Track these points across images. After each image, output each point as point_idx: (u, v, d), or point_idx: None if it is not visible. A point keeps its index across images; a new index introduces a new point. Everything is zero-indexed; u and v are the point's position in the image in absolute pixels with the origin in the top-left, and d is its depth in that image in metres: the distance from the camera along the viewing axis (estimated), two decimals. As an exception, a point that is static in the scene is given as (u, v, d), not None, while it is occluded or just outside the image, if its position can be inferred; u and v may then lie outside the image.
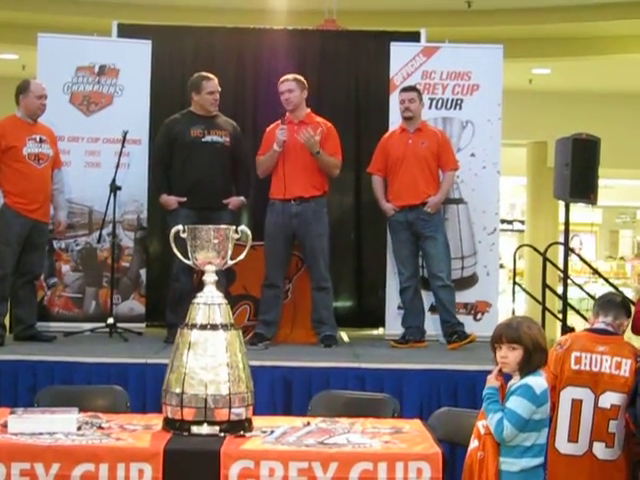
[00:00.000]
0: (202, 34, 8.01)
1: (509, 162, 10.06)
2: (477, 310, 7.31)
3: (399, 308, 7.14)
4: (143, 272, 7.41)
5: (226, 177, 6.73)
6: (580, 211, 13.15)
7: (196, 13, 10.13)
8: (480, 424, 3.67)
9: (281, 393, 5.55)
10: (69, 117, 7.26)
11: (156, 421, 3.80)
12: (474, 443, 3.67)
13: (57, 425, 3.60)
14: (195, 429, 3.63)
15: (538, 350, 3.66)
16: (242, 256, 3.93)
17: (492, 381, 3.72)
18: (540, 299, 8.57)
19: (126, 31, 7.65)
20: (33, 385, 5.42)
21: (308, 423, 3.82)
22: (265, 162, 6.72)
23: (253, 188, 7.10)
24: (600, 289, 11.30)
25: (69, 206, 7.08)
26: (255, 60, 7.92)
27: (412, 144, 6.78)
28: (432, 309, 7.02)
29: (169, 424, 3.68)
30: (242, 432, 3.64)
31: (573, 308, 8.52)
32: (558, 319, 8.52)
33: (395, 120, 7.21)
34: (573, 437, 4.44)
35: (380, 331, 7.71)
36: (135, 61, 7.38)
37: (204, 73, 6.74)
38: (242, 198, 6.79)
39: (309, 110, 6.80)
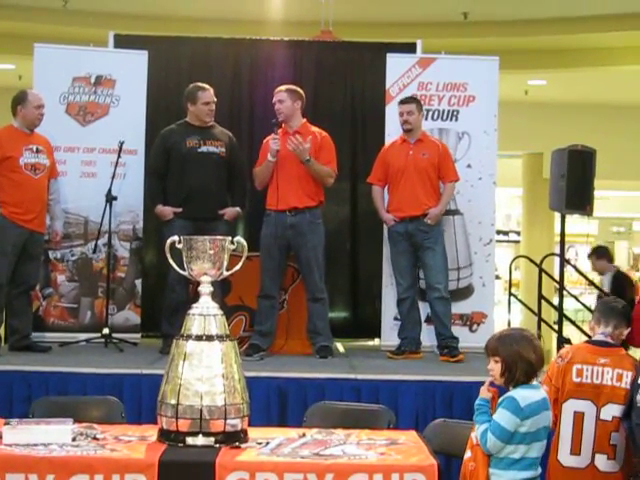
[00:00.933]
0: (198, 45, 8.02)
1: (505, 173, 10.11)
2: (473, 321, 7.31)
3: (395, 319, 7.14)
4: (139, 282, 7.40)
5: (222, 188, 6.73)
6: (576, 222, 13.16)
7: (192, 24, 10.15)
8: (474, 435, 3.69)
9: (276, 404, 5.54)
10: (65, 127, 7.25)
11: (151, 432, 3.78)
12: (468, 454, 3.69)
13: (52, 436, 3.59)
14: (190, 440, 3.62)
15: (519, 363, 3.66)
16: (238, 267, 3.94)
17: (484, 392, 3.74)
18: (536, 310, 8.58)
19: (122, 42, 7.65)
20: (28, 396, 5.40)
21: (304, 434, 3.81)
22: (261, 173, 6.72)
23: (249, 199, 7.12)
24: (596, 300, 11.29)
25: (65, 216, 7.08)
26: (251, 71, 7.93)
27: (413, 155, 6.77)
28: (428, 320, 7.01)
29: (164, 435, 3.67)
30: (237, 443, 3.63)
31: (569, 319, 8.52)
32: (554, 330, 8.53)
33: (391, 131, 7.23)
34: (575, 450, 4.43)
35: (376, 342, 7.71)
36: (131, 71, 7.39)
37: (199, 84, 6.75)
38: (237, 209, 6.79)
39: (305, 120, 6.80)
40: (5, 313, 6.59)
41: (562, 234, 7.83)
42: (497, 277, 11.11)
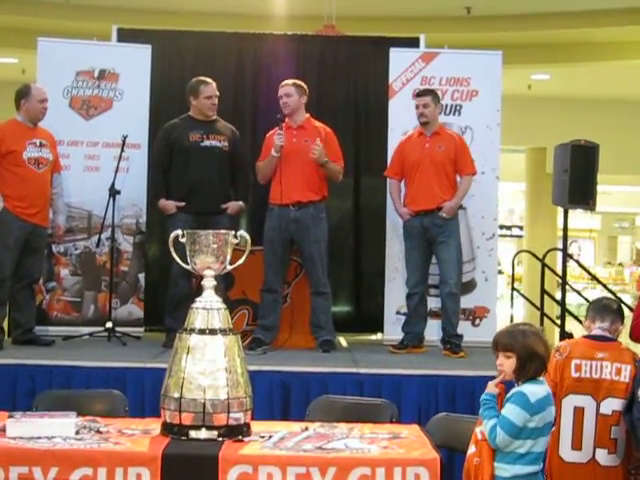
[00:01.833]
0: (201, 39, 8.03)
1: (508, 168, 10.08)
2: (475, 316, 7.31)
3: (397, 313, 7.15)
4: (142, 276, 7.41)
5: (225, 182, 6.73)
6: (579, 217, 13.19)
7: (196, 18, 10.14)
8: (478, 430, 3.67)
9: (279, 398, 5.55)
10: (69, 121, 7.26)
11: (154, 425, 3.79)
12: (472, 449, 3.68)
13: (55, 429, 3.59)
14: (193, 434, 3.63)
15: (533, 358, 3.65)
16: (241, 261, 3.93)
17: (491, 388, 3.72)
18: (538, 305, 8.58)
19: (126, 36, 7.66)
20: (31, 389, 5.42)
21: (306, 428, 3.82)
22: (264, 168, 6.72)
23: (252, 193, 7.12)
24: (598, 295, 11.29)
25: (68, 210, 7.09)
26: (254, 65, 7.93)
27: (429, 148, 6.73)
28: (432, 314, 7.01)
29: (167, 429, 3.68)
30: (240, 437, 3.64)
31: (571, 314, 8.51)
32: (556, 325, 8.52)
33: (395, 126, 7.23)
34: (576, 445, 4.43)
35: (379, 336, 7.71)
36: (135, 66, 7.39)
37: (202, 78, 6.75)
38: (241, 203, 6.79)
39: (308, 115, 6.80)
40: (9, 307, 6.61)
41: (565, 229, 7.83)
42: (500, 272, 11.14)
